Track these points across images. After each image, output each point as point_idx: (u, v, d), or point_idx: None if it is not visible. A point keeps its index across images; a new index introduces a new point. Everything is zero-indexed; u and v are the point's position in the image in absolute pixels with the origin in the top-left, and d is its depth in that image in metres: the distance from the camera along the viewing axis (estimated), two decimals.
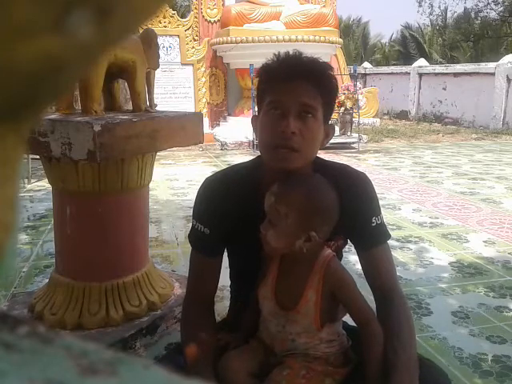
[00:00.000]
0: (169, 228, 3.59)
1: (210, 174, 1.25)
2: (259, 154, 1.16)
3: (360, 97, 7.94)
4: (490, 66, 10.54)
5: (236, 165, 1.27)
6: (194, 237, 1.19)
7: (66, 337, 0.17)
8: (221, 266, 1.21)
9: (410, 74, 12.64)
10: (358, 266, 1.26)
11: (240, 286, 1.29)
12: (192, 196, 1.22)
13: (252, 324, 1.14)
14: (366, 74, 14.19)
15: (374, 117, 10.27)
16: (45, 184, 4.55)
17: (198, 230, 1.16)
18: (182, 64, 8.28)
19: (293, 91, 1.04)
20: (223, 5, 8.52)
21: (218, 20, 8.48)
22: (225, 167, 1.29)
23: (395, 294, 1.15)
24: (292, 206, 1.01)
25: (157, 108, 2.05)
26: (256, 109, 1.21)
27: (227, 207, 1.13)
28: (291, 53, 1.10)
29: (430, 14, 22.73)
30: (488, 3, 20.19)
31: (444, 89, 11.70)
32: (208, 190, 1.18)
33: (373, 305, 1.19)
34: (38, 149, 1.68)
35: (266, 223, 1.04)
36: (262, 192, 1.12)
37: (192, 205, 1.23)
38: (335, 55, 8.92)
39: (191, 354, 1.10)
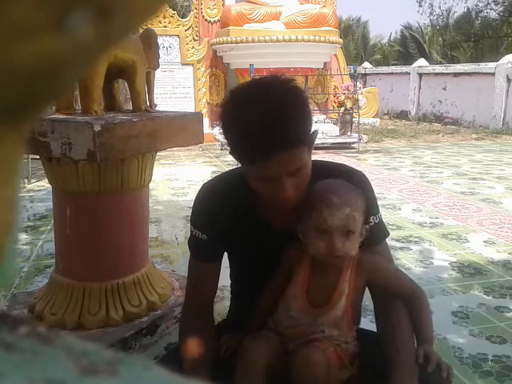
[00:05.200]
0: (169, 228, 3.59)
1: (208, 180, 1.24)
2: None
3: (360, 97, 7.93)
4: (490, 66, 10.54)
5: (232, 169, 1.25)
6: (192, 243, 1.19)
7: (65, 337, 0.17)
8: (219, 271, 1.21)
9: (409, 74, 12.64)
10: None
11: (240, 285, 1.29)
12: (192, 196, 1.22)
13: (259, 325, 1.15)
14: (365, 74, 14.18)
15: (374, 117, 10.27)
16: (45, 184, 4.55)
17: (196, 237, 1.16)
18: (182, 64, 8.28)
19: (279, 165, 0.96)
20: (223, 5, 8.52)
21: (218, 20, 8.47)
22: (224, 168, 1.28)
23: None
24: (359, 207, 1.04)
25: (157, 108, 2.05)
26: None
27: (224, 213, 1.12)
28: (257, 99, 0.94)
29: (431, 14, 22.72)
30: (488, 3, 20.18)
31: (444, 89, 11.70)
32: (205, 196, 1.17)
33: (372, 306, 1.19)
34: (38, 149, 1.68)
35: (337, 238, 1.01)
36: (258, 196, 1.12)
37: (192, 205, 1.23)
38: (335, 55, 8.92)
39: (187, 361, 1.10)
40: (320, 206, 1.02)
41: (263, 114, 0.92)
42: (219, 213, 1.12)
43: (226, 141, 1.03)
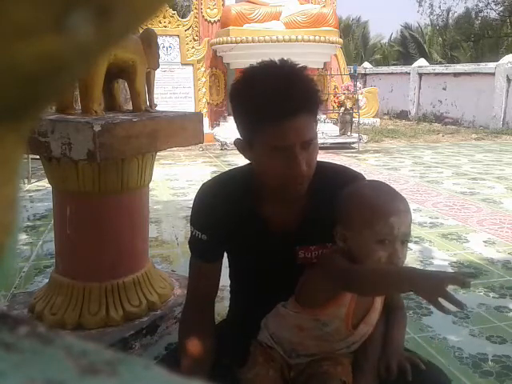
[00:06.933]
0: (169, 228, 3.59)
1: (207, 180, 1.24)
2: None
3: (360, 97, 7.93)
4: (490, 66, 10.54)
5: (231, 170, 1.25)
6: (192, 243, 1.19)
7: (65, 337, 0.17)
8: (220, 271, 1.21)
9: (409, 74, 12.64)
10: None
11: (240, 285, 1.29)
12: (192, 196, 1.22)
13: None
14: (365, 74, 14.18)
15: (374, 117, 10.27)
16: (45, 184, 4.55)
17: (196, 237, 1.15)
18: (182, 64, 8.28)
19: (294, 132, 0.98)
20: (223, 5, 8.52)
21: (218, 20, 8.47)
22: (224, 168, 1.28)
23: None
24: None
25: (157, 108, 2.05)
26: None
27: (224, 213, 1.12)
28: (271, 70, 0.99)
29: (431, 13, 22.72)
30: (488, 3, 20.18)
31: (444, 89, 11.70)
32: (204, 196, 1.17)
33: None
34: (38, 149, 1.68)
35: (399, 247, 0.97)
36: (258, 196, 1.12)
37: (192, 205, 1.22)
38: (335, 55, 8.92)
39: (186, 361, 1.10)
40: (386, 215, 0.95)
41: (275, 81, 0.96)
42: (218, 213, 1.12)
43: (236, 122, 1.05)
